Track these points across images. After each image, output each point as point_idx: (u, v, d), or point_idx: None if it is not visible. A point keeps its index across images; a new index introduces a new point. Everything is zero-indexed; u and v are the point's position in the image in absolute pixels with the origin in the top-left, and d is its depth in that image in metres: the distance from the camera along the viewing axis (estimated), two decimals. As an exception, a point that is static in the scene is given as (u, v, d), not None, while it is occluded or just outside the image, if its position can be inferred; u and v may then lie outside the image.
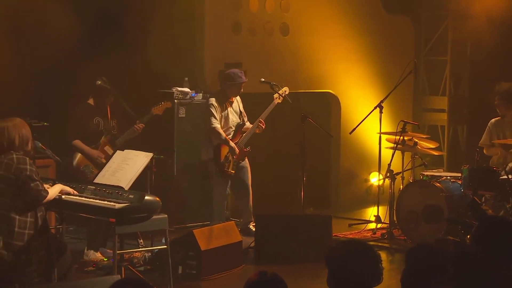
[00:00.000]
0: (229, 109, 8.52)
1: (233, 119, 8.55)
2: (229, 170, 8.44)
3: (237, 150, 8.41)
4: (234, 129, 8.54)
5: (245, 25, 9.66)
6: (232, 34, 9.56)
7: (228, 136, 8.46)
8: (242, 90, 8.49)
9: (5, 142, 5.61)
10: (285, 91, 8.55)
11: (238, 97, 8.62)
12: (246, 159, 8.65)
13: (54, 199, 5.87)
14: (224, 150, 8.41)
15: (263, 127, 8.48)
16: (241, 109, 8.64)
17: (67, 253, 5.90)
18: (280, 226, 7.82)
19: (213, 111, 8.37)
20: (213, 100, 8.42)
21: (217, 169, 8.43)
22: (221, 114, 8.44)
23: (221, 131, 8.38)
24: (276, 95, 8.48)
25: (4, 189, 5.53)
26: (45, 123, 8.09)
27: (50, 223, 7.28)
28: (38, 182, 5.59)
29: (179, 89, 8.94)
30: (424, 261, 3.72)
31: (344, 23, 10.33)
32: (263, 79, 8.49)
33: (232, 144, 8.40)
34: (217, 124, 8.37)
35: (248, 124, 8.63)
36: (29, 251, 5.54)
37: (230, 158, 8.43)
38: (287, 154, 9.73)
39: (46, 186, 5.74)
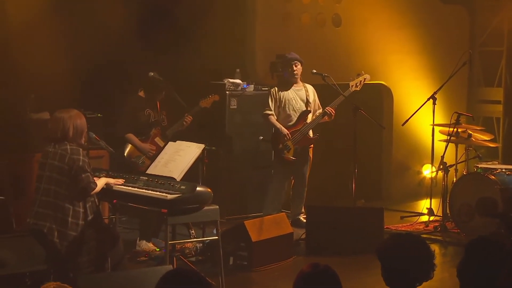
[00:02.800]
0: (291, 95, 8.47)
1: (296, 105, 8.46)
2: (289, 156, 8.39)
3: (288, 136, 8.34)
4: (297, 115, 8.47)
5: (297, 17, 9.62)
6: (284, 25, 9.53)
7: (290, 123, 8.42)
8: (297, 72, 8.37)
9: (59, 132, 5.69)
10: (364, 78, 8.46)
11: (310, 87, 8.55)
12: (311, 150, 8.56)
13: (108, 189, 5.94)
14: (281, 136, 8.36)
15: (333, 114, 8.36)
16: (309, 99, 8.50)
17: (119, 243, 5.96)
18: (332, 218, 7.79)
19: (268, 98, 8.41)
20: (273, 88, 8.45)
21: (276, 157, 8.41)
22: (280, 100, 8.40)
23: (271, 118, 8.35)
24: (352, 83, 8.41)
25: (59, 179, 5.62)
26: (99, 114, 8.21)
27: (104, 213, 7.38)
28: (89, 174, 5.66)
29: (231, 80, 8.96)
30: (486, 254, 3.67)
31: (397, 13, 10.22)
32: (315, 71, 8.44)
33: (282, 129, 8.32)
34: (268, 111, 8.37)
35: (317, 112, 8.54)
36: (82, 241, 5.61)
37: (290, 144, 8.38)
38: (338, 146, 9.68)
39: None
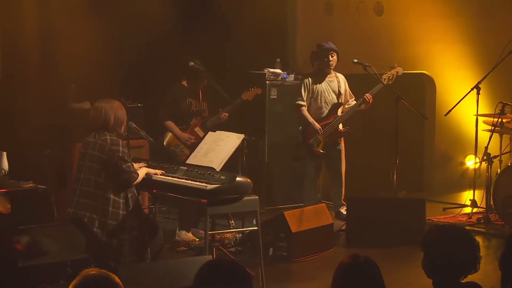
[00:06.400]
0: (324, 86, 8.39)
1: (328, 97, 8.38)
2: (319, 150, 8.32)
3: (319, 129, 8.24)
4: (328, 108, 8.40)
5: (338, 5, 9.54)
6: (325, 14, 9.46)
7: (321, 115, 8.35)
8: (332, 62, 8.26)
9: (101, 121, 5.72)
10: (397, 72, 8.35)
11: (342, 77, 8.47)
12: (342, 141, 8.49)
13: (148, 179, 5.96)
14: (312, 131, 8.30)
15: (370, 102, 8.25)
16: (340, 90, 8.42)
17: (159, 233, 5.98)
18: (372, 209, 7.73)
19: (301, 88, 8.32)
20: (306, 77, 8.36)
21: (307, 151, 8.35)
22: (313, 91, 8.31)
23: (303, 110, 8.26)
24: (385, 76, 8.29)
25: (98, 169, 5.64)
26: (139, 104, 8.25)
27: (143, 203, 7.42)
28: (129, 164, 5.68)
29: (271, 70, 8.93)
30: None
31: (440, 2, 10.09)
32: (356, 60, 8.34)
33: (314, 124, 8.21)
34: (301, 102, 8.29)
35: (351, 101, 8.43)
36: (123, 230, 5.64)
37: (320, 138, 8.31)
38: (380, 136, 9.60)
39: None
